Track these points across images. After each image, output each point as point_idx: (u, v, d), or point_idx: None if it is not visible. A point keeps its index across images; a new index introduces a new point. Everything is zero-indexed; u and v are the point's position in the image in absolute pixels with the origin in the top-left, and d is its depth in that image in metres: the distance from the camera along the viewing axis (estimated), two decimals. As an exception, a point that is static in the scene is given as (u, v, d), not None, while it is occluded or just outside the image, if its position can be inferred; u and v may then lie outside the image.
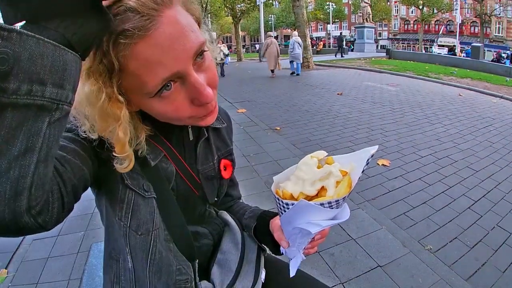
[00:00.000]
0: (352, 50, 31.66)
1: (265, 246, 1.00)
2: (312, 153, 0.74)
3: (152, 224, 0.76)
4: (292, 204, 0.66)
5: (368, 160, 0.65)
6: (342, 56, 24.27)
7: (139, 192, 0.74)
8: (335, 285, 2.19)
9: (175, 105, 0.62)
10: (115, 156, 0.64)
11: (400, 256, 2.48)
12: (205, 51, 0.64)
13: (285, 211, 0.69)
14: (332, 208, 0.64)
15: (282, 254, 0.86)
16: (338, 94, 9.36)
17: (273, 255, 1.00)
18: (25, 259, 2.72)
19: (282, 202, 0.69)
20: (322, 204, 0.63)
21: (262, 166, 4.20)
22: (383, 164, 4.23)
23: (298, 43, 12.77)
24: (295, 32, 13.77)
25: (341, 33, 31.36)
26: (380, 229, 2.80)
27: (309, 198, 0.67)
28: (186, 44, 0.57)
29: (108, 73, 0.57)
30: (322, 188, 0.67)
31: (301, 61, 13.52)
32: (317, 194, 0.67)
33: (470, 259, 2.51)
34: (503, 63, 21.70)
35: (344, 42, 28.24)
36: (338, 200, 0.63)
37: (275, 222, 0.87)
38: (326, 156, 0.74)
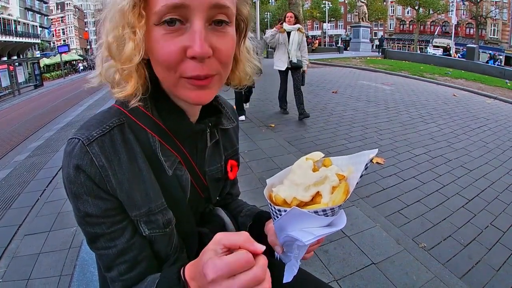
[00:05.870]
0: (346, 49, 31.86)
1: None
2: (307, 154, 0.71)
3: (170, 247, 0.77)
4: (285, 211, 0.63)
5: (367, 164, 0.62)
6: (379, 53, 26.36)
7: (159, 232, 0.73)
8: (329, 282, 2.18)
9: (169, 45, 0.58)
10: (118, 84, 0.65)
11: (394, 253, 2.47)
12: (228, 24, 0.63)
13: (277, 217, 0.66)
14: (327, 216, 0.61)
15: (277, 258, 0.81)
16: (333, 92, 9.37)
17: None
18: (16, 254, 2.69)
19: (274, 208, 0.66)
20: (316, 212, 0.60)
21: (256, 163, 4.19)
22: (377, 162, 4.22)
23: None
24: None
25: (382, 35, 32.45)
26: (374, 227, 2.80)
27: (303, 204, 0.64)
28: None
29: None
30: (317, 193, 0.64)
31: None
32: (312, 200, 0.64)
33: (464, 257, 2.52)
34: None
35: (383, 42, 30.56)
36: (333, 208, 0.60)
37: (270, 226, 0.85)
38: (323, 157, 0.70)
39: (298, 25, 6.09)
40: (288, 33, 6.01)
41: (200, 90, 0.64)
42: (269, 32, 6.21)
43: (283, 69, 6.21)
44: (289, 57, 6.07)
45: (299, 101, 6.31)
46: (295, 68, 6.18)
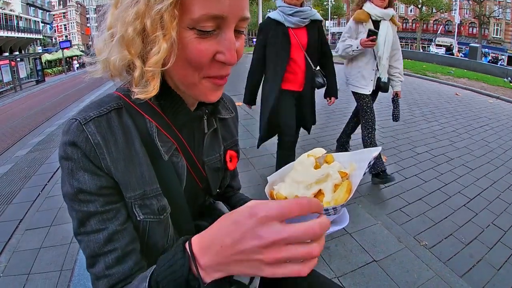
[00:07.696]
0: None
1: None
2: (309, 151, 0.70)
3: (166, 239, 0.76)
4: None
5: (370, 162, 0.61)
6: None
7: (154, 219, 0.72)
8: (330, 279, 2.18)
9: (201, 48, 0.60)
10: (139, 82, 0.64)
11: (395, 251, 2.47)
12: (242, 31, 0.67)
13: None
14: (329, 215, 0.60)
15: None
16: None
17: None
18: (17, 249, 2.69)
19: None
20: None
21: (257, 159, 4.19)
22: (379, 161, 4.21)
23: None
24: None
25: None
26: (375, 224, 2.80)
27: None
28: (243, 2, 0.61)
29: None
30: (319, 191, 0.63)
31: None
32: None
33: (465, 256, 2.52)
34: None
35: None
36: (335, 207, 0.59)
37: None
38: (325, 154, 0.69)
39: (391, 11, 3.31)
40: (375, 24, 3.25)
41: (219, 90, 0.70)
42: (343, 44, 3.48)
43: (368, 92, 3.48)
44: (377, 71, 3.39)
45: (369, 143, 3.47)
46: (380, 89, 3.50)
